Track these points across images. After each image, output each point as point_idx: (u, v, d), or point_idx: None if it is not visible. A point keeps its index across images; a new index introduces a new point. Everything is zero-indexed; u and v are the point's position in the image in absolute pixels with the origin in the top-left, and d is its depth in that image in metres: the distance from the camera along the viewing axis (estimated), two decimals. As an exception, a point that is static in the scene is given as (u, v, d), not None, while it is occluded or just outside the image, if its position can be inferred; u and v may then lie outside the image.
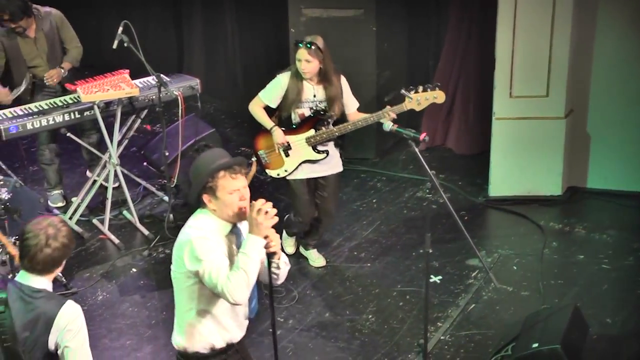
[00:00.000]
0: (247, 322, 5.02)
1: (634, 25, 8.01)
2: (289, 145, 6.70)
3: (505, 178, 8.49)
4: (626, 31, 8.03)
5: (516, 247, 7.93)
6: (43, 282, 4.43)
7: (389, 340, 6.82)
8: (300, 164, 6.81)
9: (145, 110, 8.60)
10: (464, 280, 7.46)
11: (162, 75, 8.14)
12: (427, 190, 8.72)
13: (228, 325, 4.87)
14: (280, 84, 6.72)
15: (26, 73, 8.38)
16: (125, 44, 7.85)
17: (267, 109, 6.84)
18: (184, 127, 8.38)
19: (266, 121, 6.77)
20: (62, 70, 8.33)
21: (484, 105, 8.57)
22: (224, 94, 10.63)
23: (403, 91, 6.51)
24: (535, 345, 6.13)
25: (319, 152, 6.74)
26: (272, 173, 6.88)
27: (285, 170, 6.83)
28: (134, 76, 8.32)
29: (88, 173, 9.27)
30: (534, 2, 7.96)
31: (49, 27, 8.36)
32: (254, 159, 6.98)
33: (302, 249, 7.57)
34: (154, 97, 8.28)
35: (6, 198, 7.13)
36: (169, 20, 11.07)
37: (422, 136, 6.24)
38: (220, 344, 4.86)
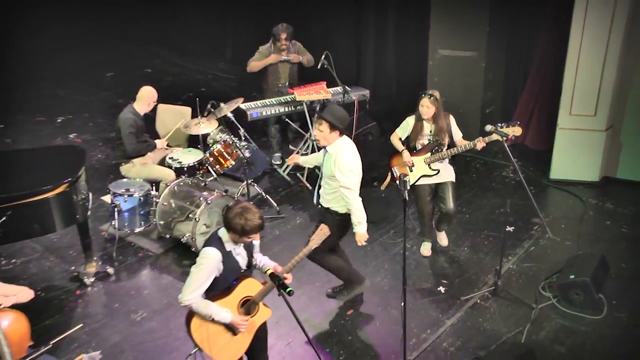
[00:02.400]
0: None
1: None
2: (413, 163, 6.59)
3: (562, 167, 8.31)
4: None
5: (565, 212, 7.80)
6: (223, 232, 4.56)
7: (477, 265, 6.87)
8: (420, 177, 6.64)
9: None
10: (528, 231, 7.41)
11: (345, 86, 8.29)
12: (510, 172, 8.62)
13: None
14: (408, 123, 6.62)
15: (276, 74, 8.64)
16: (325, 66, 8.01)
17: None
18: (357, 120, 8.52)
19: (399, 146, 6.68)
20: (295, 57, 8.56)
21: (552, 118, 8.38)
22: (383, 100, 10.64)
23: (488, 126, 6.40)
24: (572, 276, 6.15)
25: (432, 169, 6.59)
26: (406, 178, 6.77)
27: (410, 181, 6.68)
28: (327, 85, 8.47)
29: (291, 146, 9.50)
30: (592, 51, 7.71)
31: (293, 50, 8.58)
32: (389, 174, 6.84)
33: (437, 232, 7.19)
34: (339, 100, 8.40)
35: (248, 156, 7.46)
36: (353, 50, 11.14)
37: (510, 136, 6.30)
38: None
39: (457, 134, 6.60)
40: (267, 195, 8.00)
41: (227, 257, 4.54)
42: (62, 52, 13.12)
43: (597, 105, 7.94)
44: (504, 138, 6.33)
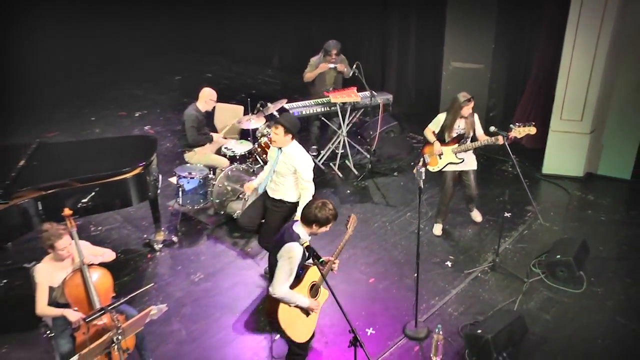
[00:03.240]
0: None
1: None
2: (442, 152, 6.53)
3: (553, 163, 8.19)
4: (638, 80, 7.61)
5: (554, 202, 7.68)
6: (299, 228, 4.54)
7: (478, 244, 6.83)
8: (447, 164, 6.59)
9: (362, 109, 8.69)
10: (522, 216, 7.32)
11: (372, 91, 8.25)
12: (508, 166, 8.52)
13: None
14: (440, 119, 6.53)
15: (323, 81, 8.51)
16: (356, 74, 7.97)
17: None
18: (382, 120, 8.48)
19: (431, 138, 6.56)
20: (341, 66, 8.33)
21: (545, 122, 8.24)
22: (403, 103, 10.59)
23: (512, 125, 6.34)
24: (558, 256, 6.11)
25: (458, 158, 6.54)
26: (430, 168, 6.65)
27: (438, 167, 6.62)
28: (357, 90, 8.37)
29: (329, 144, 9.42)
30: (580, 66, 7.58)
31: (338, 61, 8.44)
32: (422, 159, 6.73)
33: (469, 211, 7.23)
34: (367, 102, 8.36)
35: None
36: (379, 61, 11.06)
37: (510, 136, 6.25)
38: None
39: (479, 130, 6.56)
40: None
41: (304, 250, 4.48)
42: (140, 59, 13.29)
43: (583, 112, 7.80)
44: (506, 137, 6.34)
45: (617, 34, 7.45)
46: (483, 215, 7.31)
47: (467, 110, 6.37)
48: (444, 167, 6.63)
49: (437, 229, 7.01)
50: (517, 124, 6.34)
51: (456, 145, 6.52)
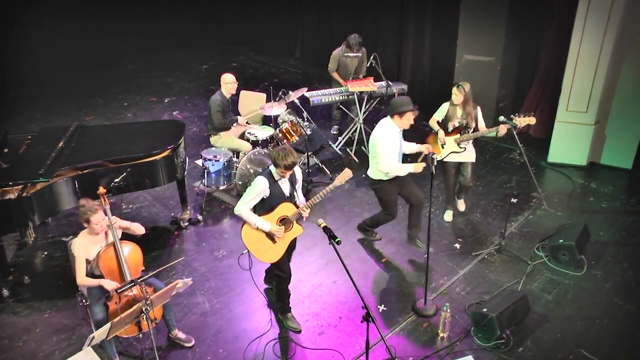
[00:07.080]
0: None
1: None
2: (445, 142, 6.41)
3: (558, 152, 8.08)
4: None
5: (558, 189, 7.58)
6: (272, 168, 4.84)
7: (486, 228, 6.77)
8: (449, 153, 6.47)
9: (378, 98, 8.60)
10: (528, 202, 7.23)
11: (388, 81, 8.16)
12: (516, 154, 8.42)
13: None
14: (443, 108, 6.45)
15: (346, 69, 8.51)
16: (373, 65, 7.89)
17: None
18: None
19: (435, 127, 6.47)
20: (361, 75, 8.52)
21: (552, 113, 8.14)
22: (418, 93, 10.42)
23: (512, 116, 6.23)
24: (561, 240, 6.05)
25: (460, 147, 6.42)
26: (434, 156, 6.60)
27: (441, 155, 6.48)
28: (374, 80, 8.32)
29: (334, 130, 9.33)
30: (586, 60, 7.46)
31: (360, 56, 8.43)
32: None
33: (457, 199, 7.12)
34: (383, 92, 8.30)
35: (309, 133, 7.42)
36: (395, 52, 10.92)
37: (518, 126, 6.18)
38: None
39: (481, 122, 6.42)
40: (323, 165, 7.98)
41: (273, 185, 4.84)
42: (172, 50, 13.31)
43: (589, 104, 7.68)
44: (514, 127, 6.25)
45: (622, 31, 7.31)
46: (491, 199, 7.25)
47: (454, 97, 6.26)
48: (447, 155, 6.50)
49: (448, 215, 6.93)
50: (517, 114, 6.25)
51: (458, 135, 6.39)
